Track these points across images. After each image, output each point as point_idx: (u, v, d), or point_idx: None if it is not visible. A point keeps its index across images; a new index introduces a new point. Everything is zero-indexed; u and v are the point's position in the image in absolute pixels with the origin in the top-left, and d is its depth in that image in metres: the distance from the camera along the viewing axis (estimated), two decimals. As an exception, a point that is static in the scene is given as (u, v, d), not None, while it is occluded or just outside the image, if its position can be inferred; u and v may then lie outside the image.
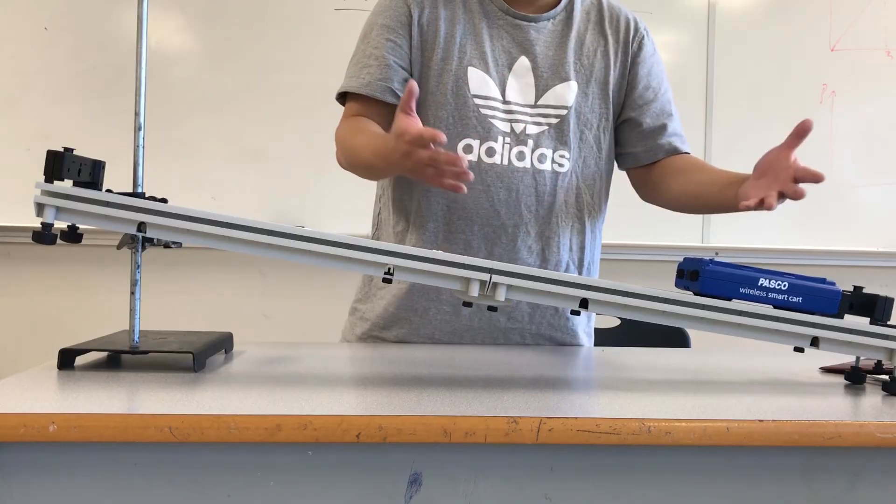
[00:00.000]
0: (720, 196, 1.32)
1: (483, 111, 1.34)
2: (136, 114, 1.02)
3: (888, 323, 1.03)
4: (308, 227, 0.97)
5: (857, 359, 1.06)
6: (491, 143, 1.33)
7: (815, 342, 1.02)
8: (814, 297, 1.02)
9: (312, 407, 0.81)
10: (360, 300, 1.45)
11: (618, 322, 1.71)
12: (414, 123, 1.10)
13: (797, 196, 1.16)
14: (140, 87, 1.05)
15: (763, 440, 0.80)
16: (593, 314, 1.48)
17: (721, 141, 2.73)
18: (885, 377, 1.02)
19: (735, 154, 2.73)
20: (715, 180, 1.36)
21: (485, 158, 1.33)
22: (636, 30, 1.44)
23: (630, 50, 1.42)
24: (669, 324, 1.00)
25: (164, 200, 0.96)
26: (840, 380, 1.10)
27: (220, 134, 2.60)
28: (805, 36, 2.76)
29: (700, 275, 1.01)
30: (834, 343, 1.02)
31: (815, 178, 1.15)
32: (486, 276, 0.96)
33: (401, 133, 1.10)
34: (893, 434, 0.82)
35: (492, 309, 1.00)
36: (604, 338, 1.72)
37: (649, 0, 2.67)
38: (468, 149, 1.33)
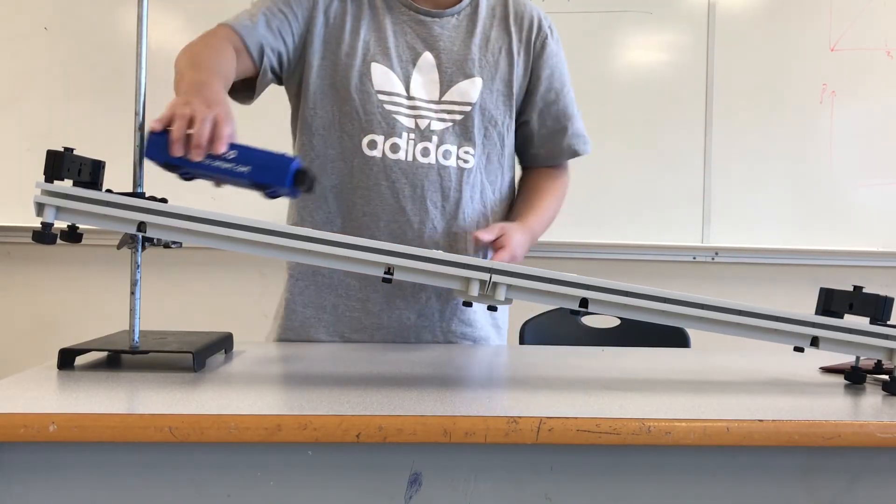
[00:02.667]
0: None
1: (387, 107, 1.34)
2: (136, 114, 1.02)
3: (888, 323, 1.03)
4: (308, 227, 0.97)
5: (857, 359, 1.06)
6: (395, 139, 1.34)
7: (815, 342, 1.02)
8: (263, 168, 0.99)
9: (312, 407, 0.81)
10: (278, 304, 1.43)
11: (618, 322, 1.71)
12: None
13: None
14: (140, 87, 1.05)
15: (763, 440, 0.80)
16: (504, 309, 1.49)
17: (721, 141, 2.73)
18: (885, 377, 1.02)
19: (735, 154, 2.73)
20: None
21: (389, 154, 1.34)
22: (539, 28, 1.43)
23: (532, 50, 1.42)
24: (669, 324, 1.00)
25: (164, 200, 0.96)
26: (840, 380, 1.10)
27: (220, 134, 2.59)
28: (805, 36, 2.76)
29: (147, 140, 0.99)
30: (834, 343, 1.02)
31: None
32: (486, 276, 0.96)
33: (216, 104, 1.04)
34: (893, 434, 0.82)
35: (492, 309, 1.00)
36: (604, 338, 1.72)
37: (649, 0, 2.68)
38: (372, 144, 1.34)
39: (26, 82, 2.55)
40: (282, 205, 2.65)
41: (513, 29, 1.42)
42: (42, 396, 0.84)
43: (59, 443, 0.74)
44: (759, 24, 2.76)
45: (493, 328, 1.47)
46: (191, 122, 0.98)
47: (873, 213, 2.78)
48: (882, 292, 1.04)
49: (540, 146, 1.47)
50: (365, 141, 1.34)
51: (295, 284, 1.39)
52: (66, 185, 0.93)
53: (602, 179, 2.69)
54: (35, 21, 2.55)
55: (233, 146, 0.98)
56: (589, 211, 2.70)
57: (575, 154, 1.48)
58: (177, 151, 0.96)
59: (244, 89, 1.35)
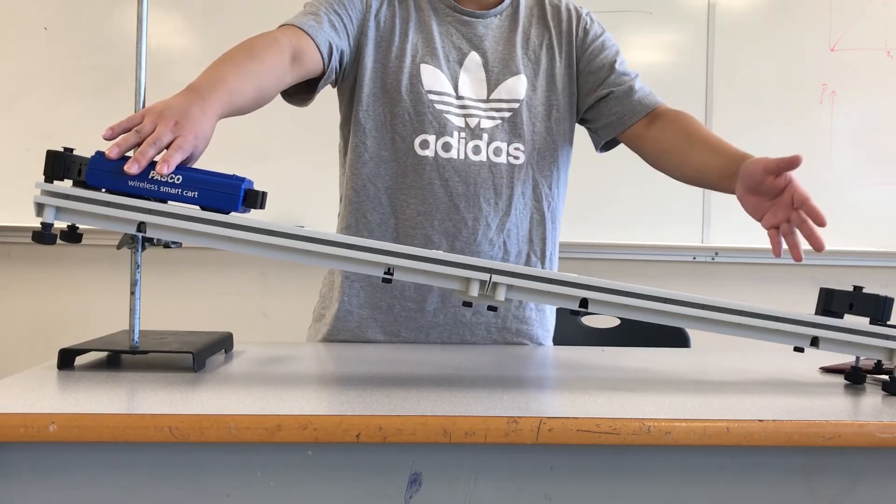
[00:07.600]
0: (719, 186, 1.38)
1: (438, 106, 1.36)
2: (136, 114, 1.02)
3: (888, 323, 1.03)
4: (308, 227, 0.97)
5: (857, 359, 1.06)
6: (447, 139, 1.35)
7: (815, 342, 1.02)
8: (210, 192, 0.95)
9: (312, 407, 0.81)
10: (325, 307, 1.44)
11: (618, 322, 1.71)
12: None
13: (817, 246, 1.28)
14: (140, 87, 1.05)
15: (763, 440, 0.80)
16: (551, 310, 1.50)
17: (721, 141, 2.72)
18: (885, 377, 1.02)
19: (735, 154, 2.73)
20: (710, 164, 1.39)
21: (441, 153, 1.35)
22: (578, 18, 1.47)
23: (574, 39, 1.45)
24: (669, 324, 1.00)
25: (163, 200, 0.96)
26: (840, 380, 1.10)
27: (219, 134, 2.59)
28: (805, 36, 2.76)
29: (88, 166, 0.92)
30: (834, 343, 1.02)
31: (817, 219, 1.27)
32: (486, 276, 0.96)
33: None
34: (893, 434, 0.82)
35: (492, 309, 1.00)
36: (604, 338, 1.72)
37: (649, 0, 2.67)
38: (425, 144, 1.35)
39: (26, 82, 2.55)
40: (280, 205, 2.65)
41: (551, 24, 1.45)
42: (42, 396, 0.84)
43: (59, 443, 0.74)
44: (759, 25, 2.76)
45: (542, 330, 1.47)
46: (145, 139, 0.94)
47: (873, 213, 2.78)
48: (882, 292, 1.04)
49: (612, 112, 1.43)
50: (417, 141, 1.35)
51: (350, 286, 1.39)
52: (65, 185, 0.93)
53: (602, 179, 2.69)
54: (35, 21, 2.55)
55: (178, 170, 0.94)
56: (589, 211, 2.70)
57: (651, 105, 1.43)
58: (111, 153, 0.92)
59: (301, 91, 1.33)
